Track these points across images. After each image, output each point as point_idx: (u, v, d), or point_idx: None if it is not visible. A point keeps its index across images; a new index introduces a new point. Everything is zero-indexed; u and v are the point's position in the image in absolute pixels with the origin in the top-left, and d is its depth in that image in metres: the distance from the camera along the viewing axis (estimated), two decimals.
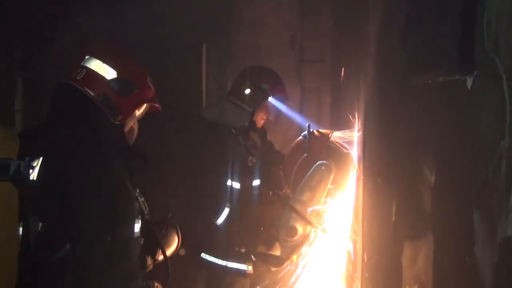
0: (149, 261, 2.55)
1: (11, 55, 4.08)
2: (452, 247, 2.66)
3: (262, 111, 3.84)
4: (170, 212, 2.74)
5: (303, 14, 5.44)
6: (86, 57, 2.48)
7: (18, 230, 2.38)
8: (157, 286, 2.53)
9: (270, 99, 3.81)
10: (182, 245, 2.75)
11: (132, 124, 2.57)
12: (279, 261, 3.53)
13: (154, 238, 2.55)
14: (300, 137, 3.70)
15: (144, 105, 2.62)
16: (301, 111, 4.71)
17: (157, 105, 2.66)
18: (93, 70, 2.45)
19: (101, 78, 2.44)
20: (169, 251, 2.67)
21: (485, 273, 2.42)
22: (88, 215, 2.25)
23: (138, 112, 2.60)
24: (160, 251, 2.59)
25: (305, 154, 3.55)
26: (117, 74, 2.45)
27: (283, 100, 3.91)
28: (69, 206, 2.24)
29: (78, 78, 2.44)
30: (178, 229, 2.72)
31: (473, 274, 2.48)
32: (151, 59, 2.84)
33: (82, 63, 2.47)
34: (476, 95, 2.43)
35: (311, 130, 3.56)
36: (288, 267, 3.48)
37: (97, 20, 4.32)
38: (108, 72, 2.45)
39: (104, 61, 2.46)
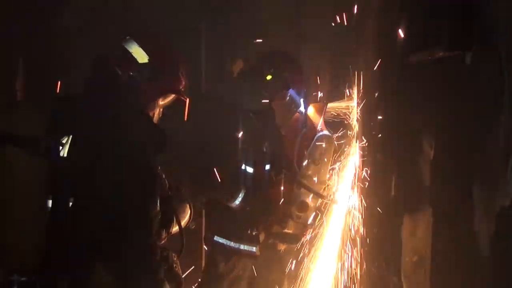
0: (164, 234, 2.62)
1: (11, 30, 4.06)
2: (450, 219, 2.71)
3: (278, 99, 3.84)
4: (182, 188, 2.78)
5: None
6: (127, 37, 2.59)
7: (46, 202, 2.48)
8: (173, 257, 2.60)
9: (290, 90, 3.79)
10: (193, 219, 2.81)
11: (154, 112, 2.64)
12: (295, 238, 3.55)
13: (171, 213, 2.63)
14: (296, 113, 3.70)
15: (170, 96, 2.68)
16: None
17: (183, 98, 2.70)
18: (128, 51, 2.57)
19: (133, 60, 2.57)
20: (183, 224, 2.75)
21: (483, 244, 2.48)
22: (120, 192, 2.33)
23: (162, 102, 2.67)
24: (175, 224, 2.66)
25: (304, 129, 3.57)
26: (148, 59, 2.57)
27: (299, 92, 3.89)
28: (101, 183, 2.33)
29: (113, 56, 2.55)
30: (190, 203, 2.79)
31: (472, 245, 2.54)
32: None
33: (121, 43, 2.58)
34: (475, 69, 2.47)
35: (306, 104, 3.58)
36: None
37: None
38: (141, 56, 2.56)
39: (140, 45, 2.57)
